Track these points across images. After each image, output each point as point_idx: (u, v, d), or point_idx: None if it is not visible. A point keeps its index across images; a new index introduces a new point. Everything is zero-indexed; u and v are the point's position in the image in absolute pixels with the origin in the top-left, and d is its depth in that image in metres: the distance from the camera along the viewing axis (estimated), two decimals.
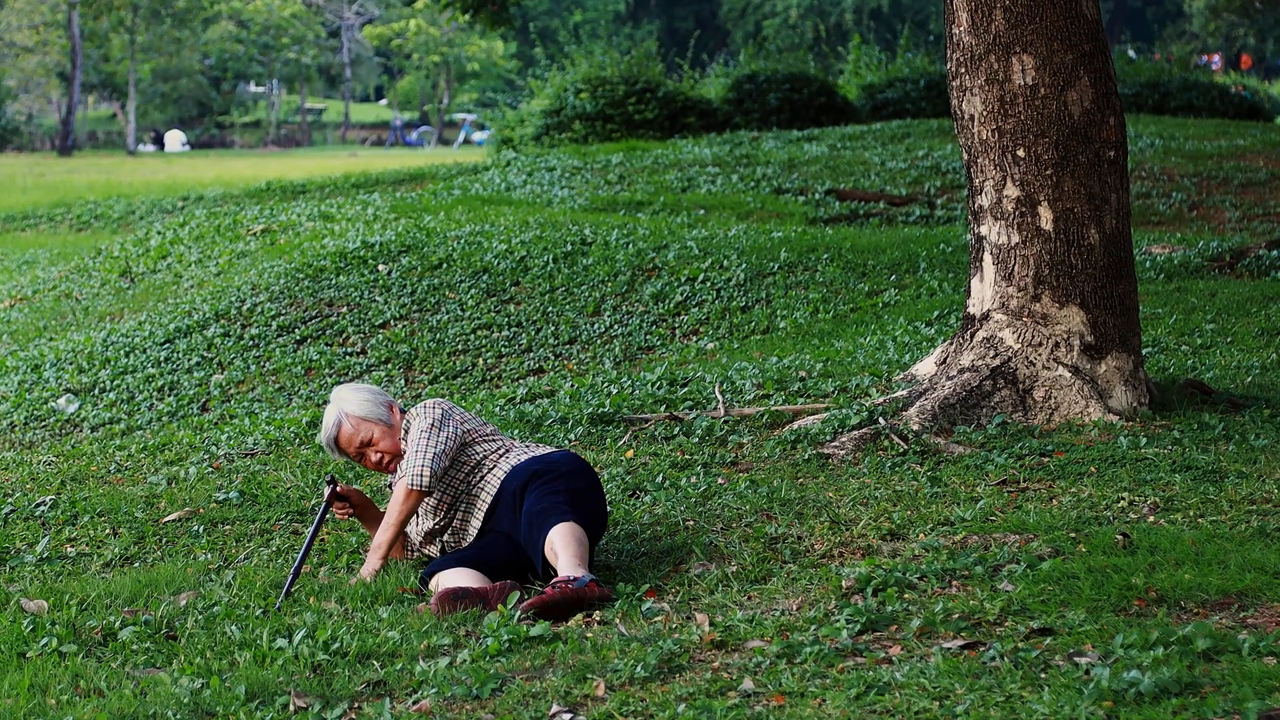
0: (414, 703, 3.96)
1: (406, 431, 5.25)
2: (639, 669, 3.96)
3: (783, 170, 16.53)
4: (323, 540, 5.75)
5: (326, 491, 5.33)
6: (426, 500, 5.24)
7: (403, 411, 5.39)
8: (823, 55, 39.39)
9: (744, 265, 10.66)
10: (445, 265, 11.14)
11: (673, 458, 6.53)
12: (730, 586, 4.77)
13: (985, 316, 6.64)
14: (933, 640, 4.04)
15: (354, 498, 5.42)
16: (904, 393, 6.82)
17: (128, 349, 10.38)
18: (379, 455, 5.33)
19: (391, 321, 10.35)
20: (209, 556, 5.75)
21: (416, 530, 5.31)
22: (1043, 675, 3.73)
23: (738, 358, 8.73)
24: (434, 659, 4.22)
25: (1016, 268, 6.55)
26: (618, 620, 4.47)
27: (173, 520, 6.27)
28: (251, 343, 10.22)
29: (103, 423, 9.15)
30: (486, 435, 5.34)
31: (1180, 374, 7.04)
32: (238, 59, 64.40)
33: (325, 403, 8.89)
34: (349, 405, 5.36)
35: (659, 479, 6.18)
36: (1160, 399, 6.61)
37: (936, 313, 9.15)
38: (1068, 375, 6.45)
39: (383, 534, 5.15)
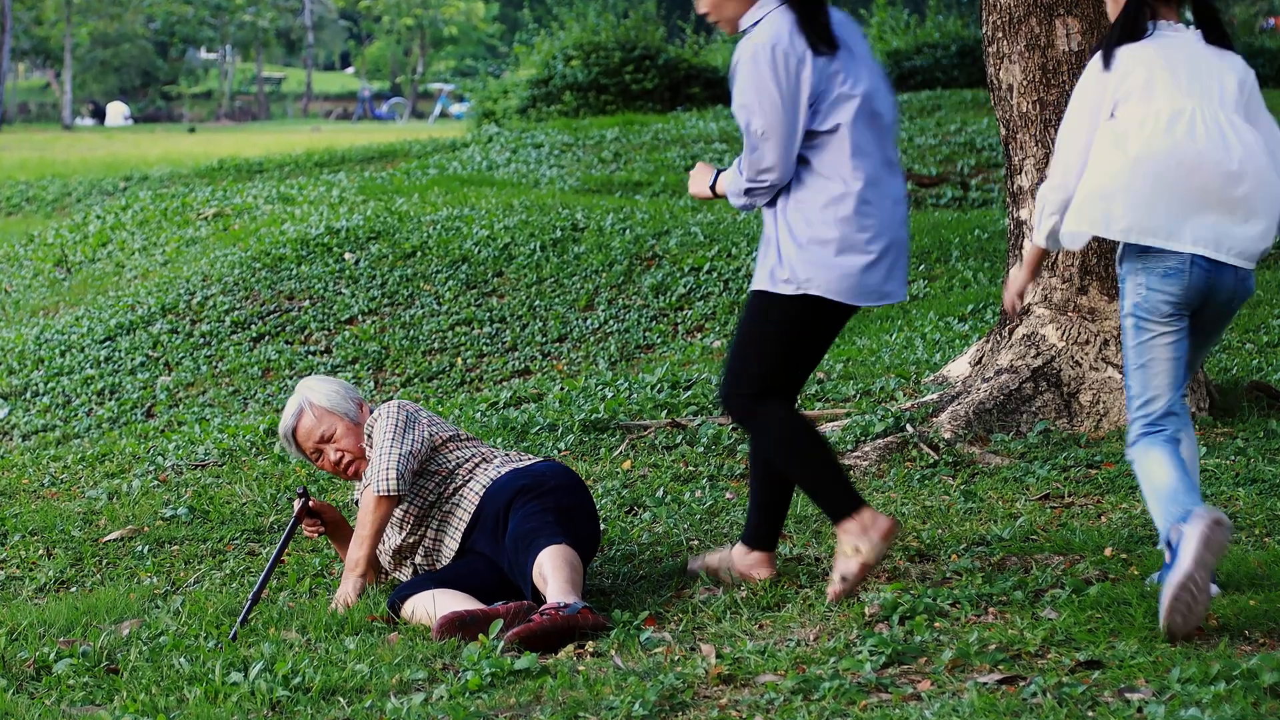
0: None
1: (370, 435, 5.26)
2: (637, 706, 3.97)
3: None
4: (283, 562, 5.75)
5: (297, 505, 5.33)
6: (394, 512, 5.24)
7: (372, 412, 5.41)
8: None
9: (754, 254, 10.66)
10: (419, 254, 11.14)
11: (675, 469, 6.54)
12: (739, 614, 4.77)
13: (1025, 311, 6.65)
14: (967, 674, 4.04)
15: (326, 513, 5.42)
16: (934, 396, 6.82)
17: (63, 347, 10.39)
18: (338, 454, 5.35)
19: (359, 317, 10.35)
20: (154, 580, 5.75)
21: (384, 549, 5.31)
22: (1090, 713, 3.73)
23: None
24: (407, 695, 4.22)
25: (1060, 256, 6.55)
26: (613, 652, 4.47)
27: (114, 540, 6.27)
28: (202, 340, 10.23)
29: (35, 430, 9.15)
30: (461, 440, 5.34)
31: (1244, 375, 7.05)
32: (186, 22, 64.37)
33: (284, 408, 8.90)
34: (314, 395, 5.39)
35: (659, 493, 6.18)
36: (1222, 403, 6.61)
37: (971, 307, 9.16)
38: (1118, 376, 6.46)
39: (356, 550, 5.15)
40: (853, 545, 4.68)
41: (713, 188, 4.85)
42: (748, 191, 4.69)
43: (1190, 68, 4.44)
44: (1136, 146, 4.35)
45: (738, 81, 4.64)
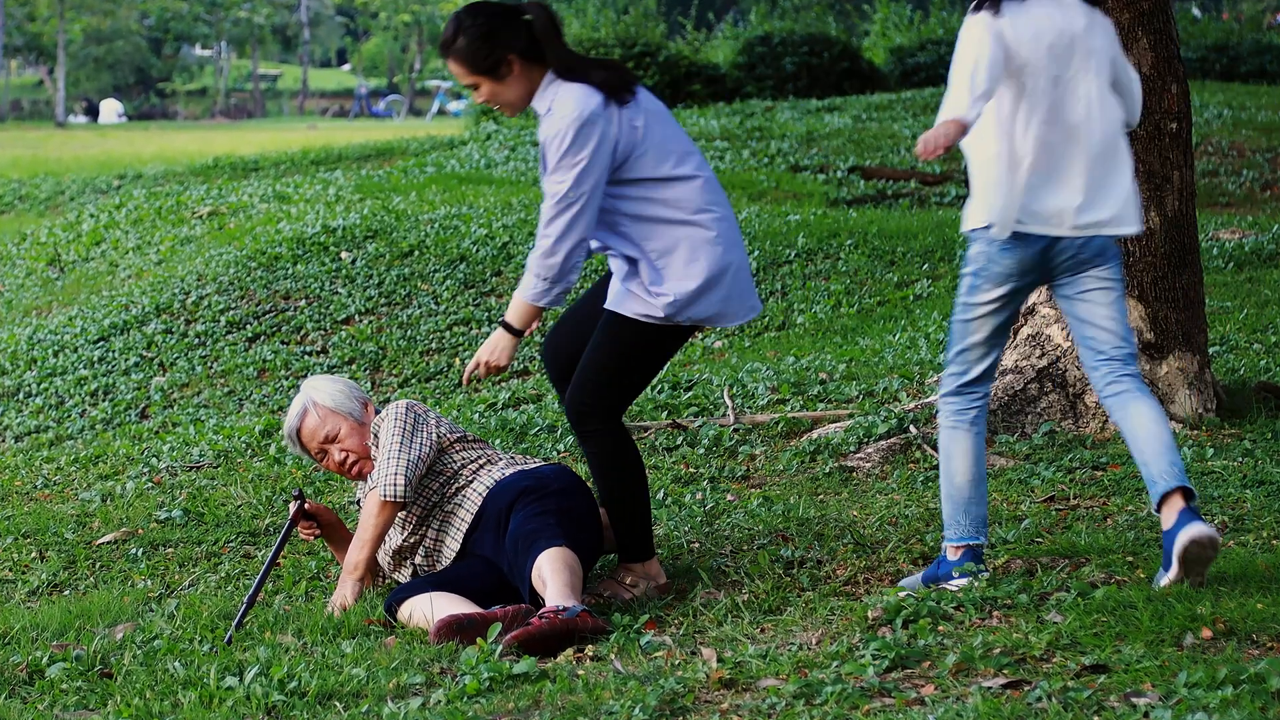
0: None
1: (376, 435, 5.26)
2: (637, 711, 3.97)
3: (800, 145, 16.54)
4: (279, 565, 5.75)
5: (293, 508, 5.33)
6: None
7: (377, 412, 5.41)
8: (845, 14, 39.41)
9: (756, 253, 10.66)
10: (417, 253, 11.15)
11: (676, 471, 6.54)
12: (741, 617, 4.77)
13: (1031, 311, 6.65)
14: (971, 678, 4.04)
15: (323, 516, 5.41)
16: (938, 397, 6.82)
17: (56, 348, 10.39)
18: (343, 454, 5.35)
19: (356, 316, 10.35)
20: (149, 583, 5.75)
21: (384, 549, 5.31)
22: (1096, 718, 3.73)
23: (749, 358, 8.73)
24: (404, 699, 4.22)
25: None
26: (613, 655, 4.47)
27: (108, 542, 6.26)
28: (197, 341, 10.23)
29: (28, 431, 9.15)
30: (467, 442, 5.34)
31: (1252, 376, 7.04)
32: (181, 18, 64.37)
33: (280, 409, 8.90)
34: (318, 395, 5.39)
35: (660, 495, 6.18)
36: (1229, 404, 6.61)
37: None
38: None
39: (356, 553, 5.15)
40: (633, 580, 5.06)
41: (508, 327, 4.98)
42: (556, 242, 4.81)
43: (1065, 36, 4.64)
44: (1007, 132, 4.59)
45: (552, 160, 4.82)
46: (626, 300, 4.92)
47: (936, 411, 4.79)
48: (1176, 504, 4.51)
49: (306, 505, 5.36)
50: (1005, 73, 4.58)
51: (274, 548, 5.28)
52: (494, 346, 4.98)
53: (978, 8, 4.64)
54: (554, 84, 4.88)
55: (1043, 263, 4.65)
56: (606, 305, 4.96)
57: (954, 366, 4.78)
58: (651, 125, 4.93)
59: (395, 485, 5.08)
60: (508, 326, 4.95)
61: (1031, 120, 4.59)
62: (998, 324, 4.72)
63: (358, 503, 5.47)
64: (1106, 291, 4.71)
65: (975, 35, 4.60)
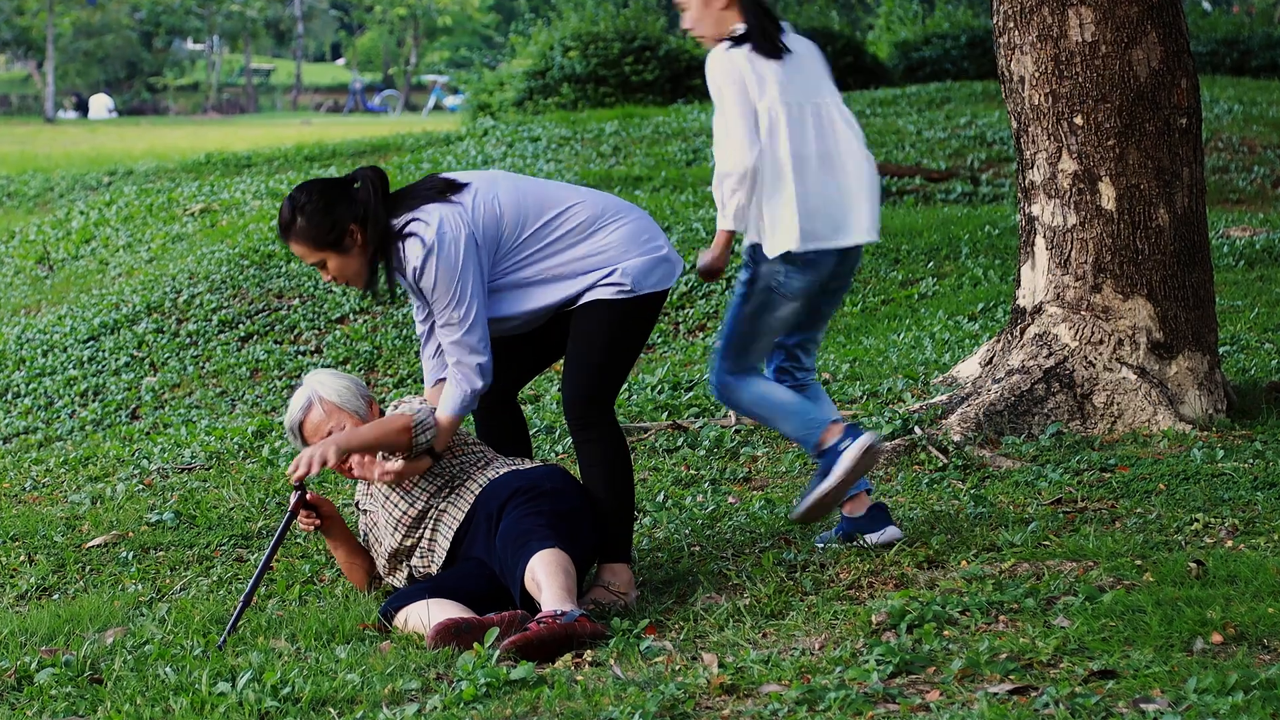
0: None
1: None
2: (637, 717, 3.97)
3: None
4: (272, 568, 5.74)
5: (293, 497, 5.27)
6: (391, 512, 5.23)
7: (382, 413, 5.38)
8: (849, 8, 39.43)
9: None
10: None
11: (676, 473, 6.54)
12: (742, 622, 4.77)
13: (1037, 310, 6.65)
14: (977, 684, 4.05)
15: (323, 507, 5.36)
16: (943, 398, 6.82)
17: (45, 347, 10.39)
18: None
19: (350, 315, 10.35)
20: (139, 587, 5.75)
21: (380, 551, 5.30)
22: None
23: None
24: (399, 705, 4.22)
25: (1073, 253, 6.55)
26: (612, 661, 4.47)
27: (97, 545, 6.27)
28: (189, 340, 10.23)
29: (16, 432, 9.15)
30: (466, 445, 5.34)
31: (1263, 376, 7.05)
32: (172, 12, 64.40)
33: (273, 410, 8.90)
34: (324, 390, 5.34)
35: (660, 497, 6.18)
36: (1240, 405, 6.62)
37: (981, 305, 9.16)
38: (1133, 378, 6.46)
39: (365, 432, 5.18)
40: (620, 589, 5.11)
41: (427, 448, 5.16)
42: (480, 351, 5.05)
43: (809, 67, 5.13)
44: (785, 155, 5.00)
45: (430, 288, 5.07)
46: (595, 292, 5.10)
47: (715, 393, 5.27)
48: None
49: (308, 495, 5.31)
50: (771, 105, 4.98)
51: (275, 537, 5.23)
52: (409, 468, 5.21)
53: (736, 43, 5.01)
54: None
55: (842, 269, 5.15)
56: (580, 303, 5.10)
57: (746, 358, 5.15)
58: (500, 192, 5.11)
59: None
60: (435, 454, 5.20)
61: (804, 146, 5.02)
62: (789, 327, 5.18)
63: (357, 503, 5.46)
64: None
65: (734, 74, 4.99)
